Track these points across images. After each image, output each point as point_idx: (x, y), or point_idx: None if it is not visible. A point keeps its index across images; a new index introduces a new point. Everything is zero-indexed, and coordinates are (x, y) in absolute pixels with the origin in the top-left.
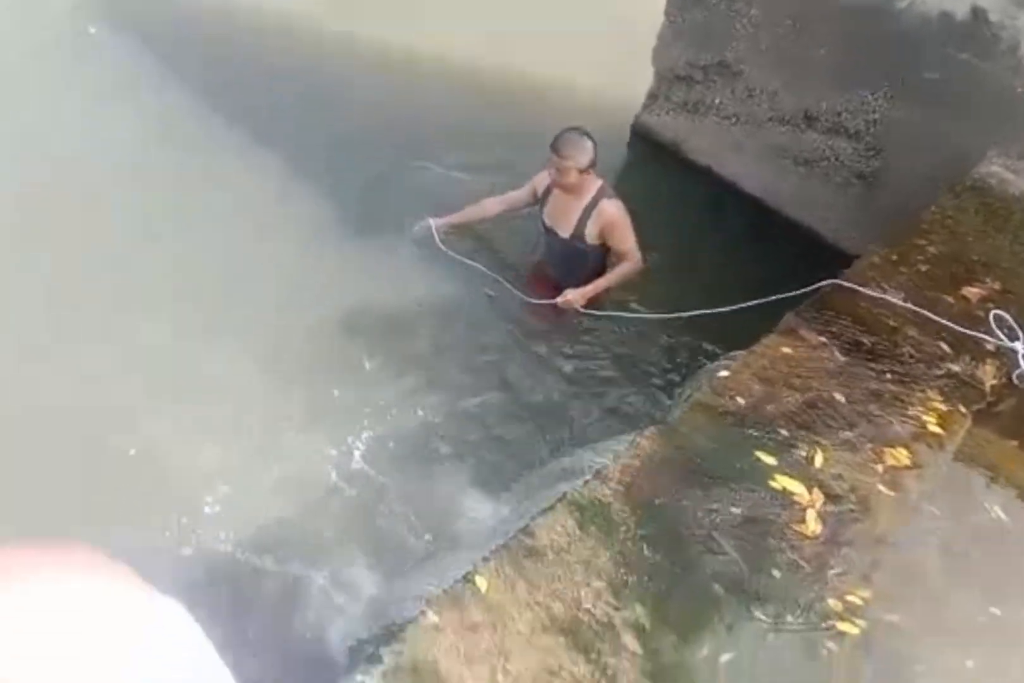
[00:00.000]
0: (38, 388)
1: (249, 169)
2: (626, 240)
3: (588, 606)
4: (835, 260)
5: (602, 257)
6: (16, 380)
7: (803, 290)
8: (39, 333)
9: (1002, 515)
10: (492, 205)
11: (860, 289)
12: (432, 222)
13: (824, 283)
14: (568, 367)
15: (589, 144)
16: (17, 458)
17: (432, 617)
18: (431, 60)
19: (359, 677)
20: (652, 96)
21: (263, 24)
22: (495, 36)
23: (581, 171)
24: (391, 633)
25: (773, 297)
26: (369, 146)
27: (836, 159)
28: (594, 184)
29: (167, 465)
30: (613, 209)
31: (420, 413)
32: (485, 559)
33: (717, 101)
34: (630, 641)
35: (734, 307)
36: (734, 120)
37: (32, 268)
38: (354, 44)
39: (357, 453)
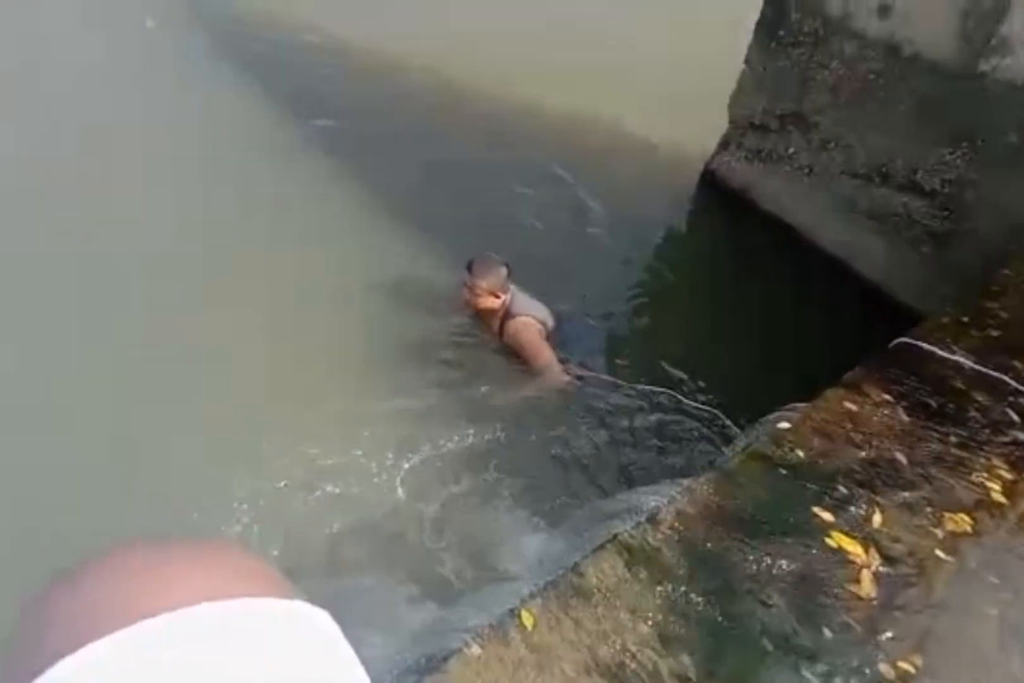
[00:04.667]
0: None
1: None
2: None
3: (634, 651)
4: (900, 318)
5: None
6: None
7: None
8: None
9: None
10: None
11: (928, 347)
12: None
13: (893, 343)
14: (622, 415)
15: (502, 269)
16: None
17: (476, 650)
18: (507, 99)
19: None
20: (725, 143)
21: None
22: (564, 74)
23: (491, 292)
24: (434, 664)
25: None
26: (448, 174)
27: (908, 216)
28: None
29: (197, 486)
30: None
31: (467, 446)
32: (532, 595)
33: (791, 151)
34: None
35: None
36: (806, 171)
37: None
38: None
39: (400, 480)
